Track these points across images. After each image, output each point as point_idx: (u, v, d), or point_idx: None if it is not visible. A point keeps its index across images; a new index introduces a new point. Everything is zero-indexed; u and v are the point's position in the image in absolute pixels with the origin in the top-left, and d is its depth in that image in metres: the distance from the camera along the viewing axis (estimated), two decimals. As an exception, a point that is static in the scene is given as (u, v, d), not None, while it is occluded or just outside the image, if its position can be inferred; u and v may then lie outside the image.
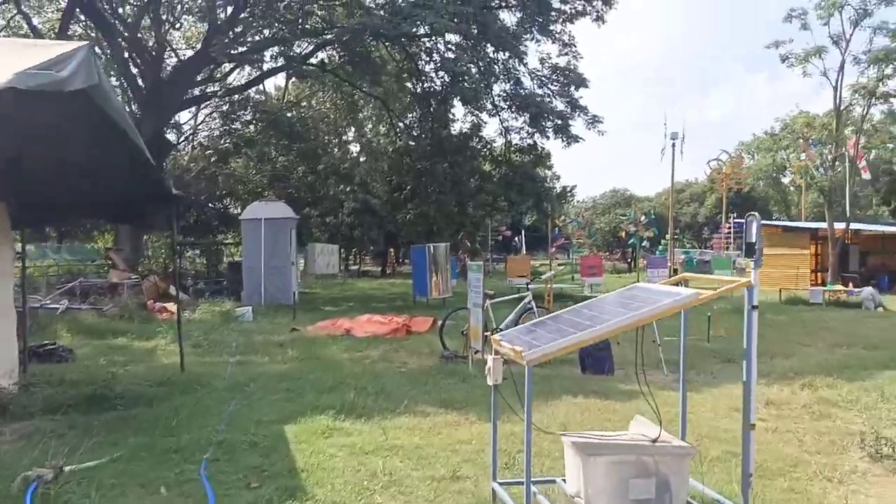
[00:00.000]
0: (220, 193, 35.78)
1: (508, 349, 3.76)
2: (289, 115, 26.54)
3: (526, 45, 21.73)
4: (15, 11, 22.66)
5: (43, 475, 4.35)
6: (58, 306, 12.56)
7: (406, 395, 7.13)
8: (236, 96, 25.12)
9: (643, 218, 32.80)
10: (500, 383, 4.07)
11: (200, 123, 30.16)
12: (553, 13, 22.11)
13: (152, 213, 8.38)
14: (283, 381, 7.94)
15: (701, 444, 5.37)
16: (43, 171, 6.69)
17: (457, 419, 6.15)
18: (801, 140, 26.50)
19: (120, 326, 12.17)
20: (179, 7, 24.72)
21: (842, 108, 24.01)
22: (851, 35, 22.24)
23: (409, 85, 26.02)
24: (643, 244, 32.86)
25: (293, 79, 30.90)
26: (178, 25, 26.36)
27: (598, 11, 21.98)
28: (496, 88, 23.02)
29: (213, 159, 28.23)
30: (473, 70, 21.70)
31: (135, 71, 23.76)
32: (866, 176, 30.57)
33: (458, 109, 25.27)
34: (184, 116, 33.00)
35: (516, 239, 45.07)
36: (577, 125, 23.71)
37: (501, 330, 9.72)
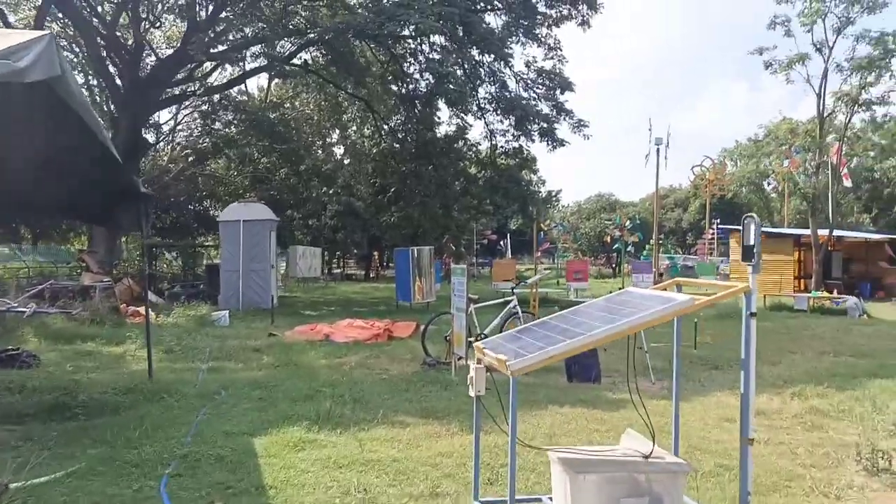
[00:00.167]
0: (201, 195, 35.23)
1: (492, 358, 3.49)
2: (271, 115, 26.12)
3: (511, 48, 21.61)
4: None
5: (-16, 494, 4.00)
6: (25, 310, 12.09)
7: (385, 403, 6.84)
8: (216, 96, 24.65)
9: (628, 223, 32.74)
10: (482, 394, 3.80)
11: (180, 123, 29.57)
12: (539, 17, 21.99)
13: (121, 212, 8.01)
14: (257, 389, 7.60)
15: (692, 456, 5.13)
16: (1, 168, 6.33)
17: (438, 430, 5.86)
18: (785, 147, 26.57)
19: (90, 331, 11.73)
20: (160, 5, 24.27)
21: (825, 115, 24.11)
22: (834, 43, 22.33)
23: (393, 87, 25.75)
24: (628, 249, 32.81)
25: (276, 80, 30.54)
26: (158, 24, 25.88)
27: (583, 16, 21.89)
28: (481, 91, 22.87)
29: (190, 159, 27.66)
30: (459, 72, 21.48)
31: (113, 70, 23.27)
32: (847, 183, 30.80)
33: (444, 112, 25.10)
34: (164, 116, 32.49)
35: (502, 243, 44.95)
36: (563, 129, 23.58)
37: (486, 335, 9.45)
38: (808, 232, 24.85)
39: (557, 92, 22.19)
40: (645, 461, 3.51)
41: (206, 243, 32.50)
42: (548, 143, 21.56)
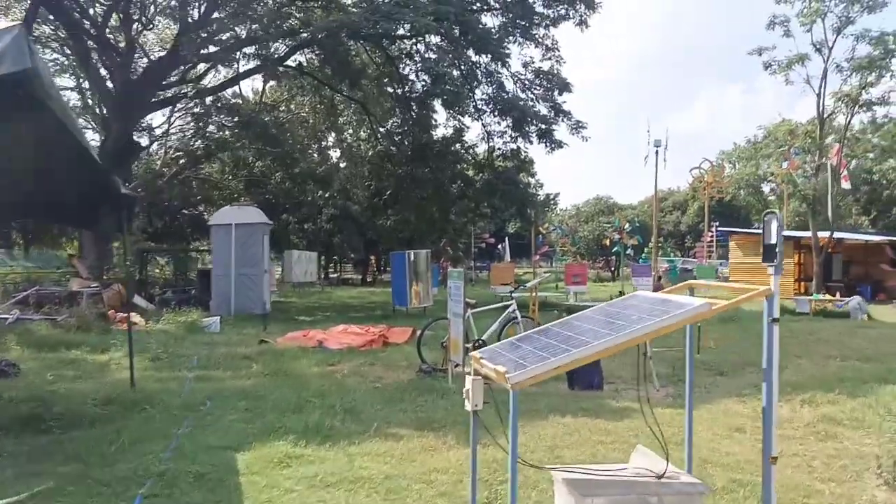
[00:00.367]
0: (195, 199, 34.87)
1: (490, 369, 3.17)
2: (265, 118, 25.76)
3: (509, 49, 21.31)
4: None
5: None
6: (7, 317, 11.72)
7: (378, 414, 6.51)
8: (209, 98, 24.29)
9: (627, 226, 32.47)
10: (480, 408, 3.48)
11: (172, 126, 29.19)
12: (536, 17, 21.71)
13: (103, 214, 7.68)
14: (244, 399, 7.27)
15: (703, 471, 4.82)
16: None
17: (433, 443, 5.53)
18: (785, 148, 26.32)
19: (75, 338, 11.36)
20: (152, 7, 23.94)
21: (825, 116, 23.86)
22: (834, 42, 22.08)
23: (389, 89, 25.45)
24: (627, 252, 32.52)
25: (271, 82, 30.22)
26: (150, 26, 25.54)
27: (581, 15, 21.61)
28: (479, 92, 22.57)
29: (182, 162, 27.27)
30: (455, 73, 21.20)
31: (104, 73, 22.93)
32: (846, 185, 30.54)
33: (441, 115, 24.82)
34: (158, 120, 32.12)
35: (500, 246, 44.61)
36: (561, 130, 23.29)
37: (483, 342, 9.13)
38: (808, 234, 24.59)
39: (555, 93, 21.93)
40: (658, 482, 3.20)
41: (201, 248, 32.13)
42: (546, 145, 21.29)
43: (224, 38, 20.46)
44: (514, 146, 23.05)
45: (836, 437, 5.92)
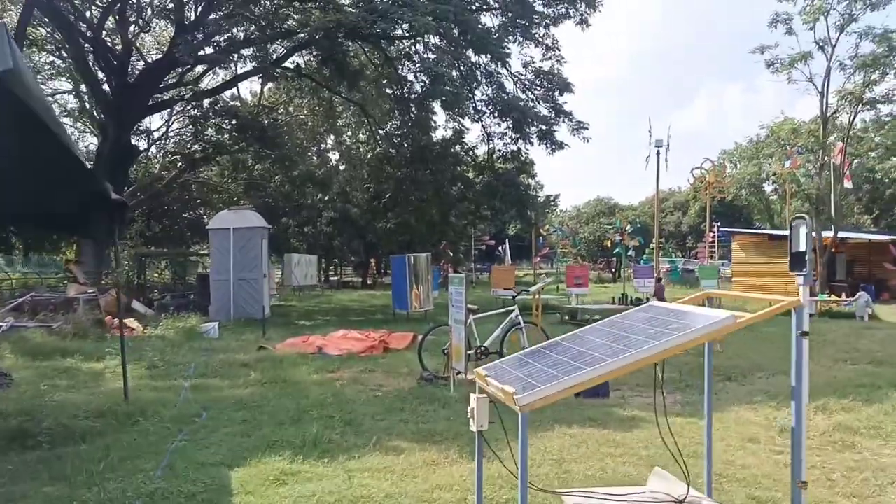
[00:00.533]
0: (194, 203, 34.67)
1: (497, 388, 2.96)
2: (264, 121, 25.58)
3: (509, 49, 21.09)
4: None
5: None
6: (1, 324, 11.51)
7: (378, 426, 6.30)
8: (206, 101, 24.09)
9: (629, 227, 32.21)
10: (485, 429, 3.27)
11: (171, 129, 28.99)
12: (536, 16, 21.50)
13: (92, 221, 7.46)
14: (241, 410, 7.06)
15: (719, 487, 4.60)
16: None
17: (435, 457, 5.31)
18: (788, 147, 26.10)
19: (70, 346, 11.15)
20: (149, 10, 23.77)
21: (828, 114, 23.66)
22: (837, 40, 21.90)
23: (388, 91, 25.26)
24: (629, 253, 32.27)
25: (269, 84, 30.05)
26: (147, 28, 25.38)
27: (581, 14, 21.41)
28: (478, 93, 22.36)
29: (180, 165, 27.06)
30: (454, 74, 20.99)
31: (102, 76, 22.76)
32: (848, 185, 30.34)
33: (440, 117, 24.63)
34: (157, 123, 31.91)
35: (500, 248, 44.40)
36: (562, 131, 23.08)
37: (486, 348, 8.92)
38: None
39: (556, 93, 21.71)
40: (678, 508, 2.98)
41: (202, 252, 31.95)
42: (547, 146, 21.07)
43: (220, 39, 20.28)
44: (514, 147, 22.86)
45: (853, 447, 5.71)
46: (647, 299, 13.65)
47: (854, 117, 24.49)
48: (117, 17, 21.80)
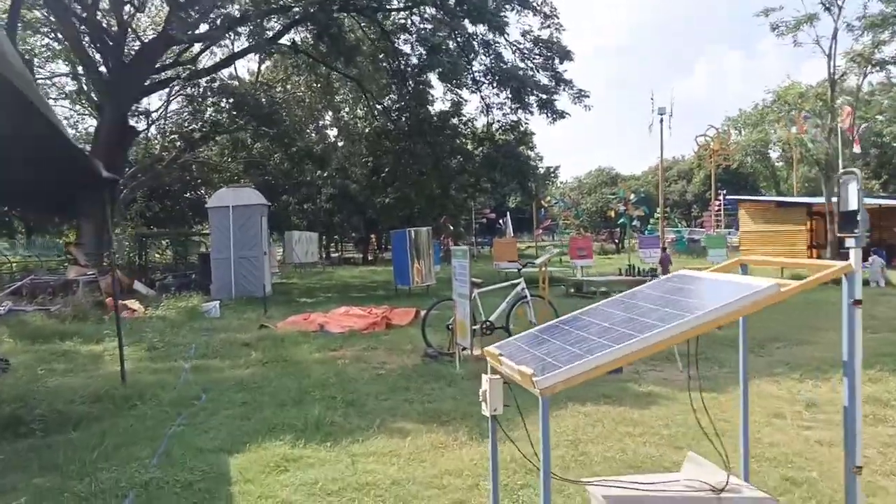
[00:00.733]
0: (195, 182, 34.34)
1: (512, 369, 2.68)
2: (261, 98, 25.09)
3: (506, 17, 20.50)
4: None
5: None
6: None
7: (382, 406, 6.05)
8: (203, 80, 23.60)
9: (632, 196, 31.78)
10: (500, 413, 2.99)
11: (169, 109, 28.48)
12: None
13: (84, 200, 7.16)
14: (241, 392, 6.82)
15: (750, 467, 4.33)
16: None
17: (443, 439, 5.06)
18: (796, 112, 25.57)
19: (69, 329, 10.92)
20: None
21: (836, 76, 23.09)
22: (844, 0, 21.24)
23: (385, 65, 24.71)
24: (633, 223, 31.88)
25: (266, 62, 29.49)
26: (142, 8, 24.76)
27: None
28: (476, 64, 21.86)
29: (179, 145, 26.65)
30: (451, 45, 20.47)
31: (99, 58, 22.27)
32: (857, 149, 29.83)
33: (438, 89, 24.16)
34: (156, 104, 31.41)
35: (501, 221, 44.02)
36: (563, 100, 22.58)
37: (491, 323, 8.66)
38: (820, 200, 23.99)
39: (556, 61, 21.16)
40: (717, 497, 2.71)
41: (204, 231, 31.69)
42: (547, 115, 20.63)
43: (215, 17, 19.76)
44: (514, 118, 22.38)
45: (886, 420, 5.45)
46: (655, 270, 13.37)
47: (863, 79, 23.93)
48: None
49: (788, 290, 2.61)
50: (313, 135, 34.74)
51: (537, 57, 21.63)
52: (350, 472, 4.41)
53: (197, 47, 24.16)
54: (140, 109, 26.33)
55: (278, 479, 4.30)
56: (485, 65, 21.74)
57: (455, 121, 24.94)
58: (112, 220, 7.49)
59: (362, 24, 23.13)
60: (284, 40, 23.08)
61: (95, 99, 24.88)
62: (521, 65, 21.52)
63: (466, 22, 20.44)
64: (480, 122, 24.89)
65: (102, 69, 22.05)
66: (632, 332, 2.60)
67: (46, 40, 25.94)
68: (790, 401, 6.08)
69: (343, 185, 33.62)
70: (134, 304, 14.18)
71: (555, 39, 22.01)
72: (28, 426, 5.62)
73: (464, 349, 7.88)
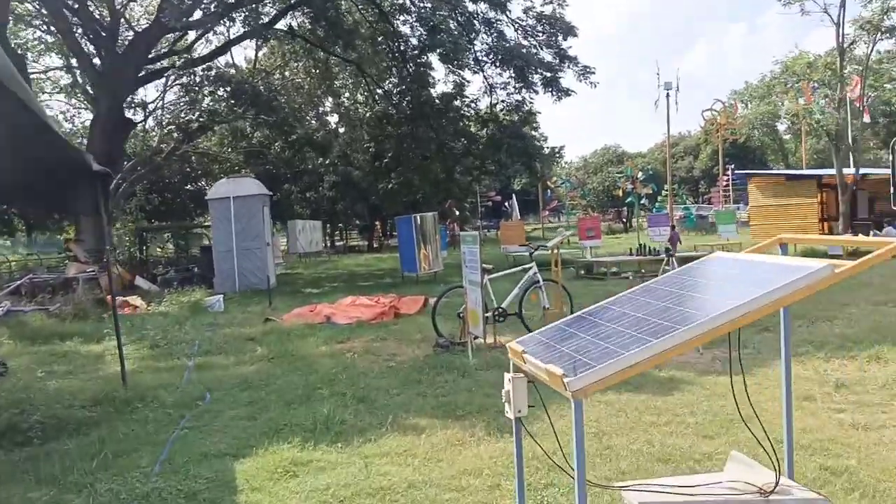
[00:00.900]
0: (195, 174, 34.05)
1: (539, 369, 2.40)
2: (259, 85, 24.70)
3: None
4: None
5: None
6: (-4, 309, 11.08)
7: (394, 402, 5.81)
8: (200, 69, 23.23)
9: (640, 174, 31.31)
10: (524, 415, 2.72)
11: (163, 99, 28.11)
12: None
13: (77, 195, 6.90)
14: (247, 390, 6.59)
15: (784, 458, 4.06)
16: None
17: (460, 435, 4.81)
18: (803, 81, 25.04)
19: (70, 328, 10.71)
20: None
21: (845, 45, 22.56)
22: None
23: (385, 47, 24.26)
24: (642, 202, 31.45)
25: (263, 49, 29.05)
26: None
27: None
28: (478, 44, 21.42)
29: (175, 135, 26.31)
30: (452, 25, 20.03)
31: (93, 49, 21.92)
32: (866, 118, 29.29)
33: (439, 72, 23.73)
34: (152, 94, 31.05)
35: (507, 203, 43.62)
36: (568, 77, 22.17)
37: (503, 309, 8.40)
38: (829, 172, 23.54)
39: (560, 38, 20.69)
40: (765, 500, 2.45)
41: (206, 223, 31.47)
42: (552, 94, 20.20)
43: (209, 2, 19.36)
44: (518, 97, 21.95)
45: (923, 400, 5.16)
46: (669, 249, 13.05)
47: (872, 47, 23.39)
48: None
49: (844, 271, 2.33)
50: (313, 122, 34.38)
51: (540, 34, 21.17)
52: (363, 475, 4.16)
53: (192, 35, 23.78)
54: (136, 101, 26.03)
55: (287, 486, 4.05)
56: (487, 44, 21.33)
57: (458, 102, 24.52)
58: (108, 215, 7.22)
59: (360, 6, 22.69)
60: (281, 25, 22.68)
61: (91, 92, 24.60)
62: (525, 42, 21.07)
63: (467, 0, 20.01)
64: (484, 104, 24.50)
65: (96, 61, 21.75)
66: (671, 323, 2.32)
67: (39, 33, 25.62)
68: (818, 382, 5.80)
69: (345, 171, 33.27)
70: (136, 300, 13.99)
71: (557, 15, 21.53)
72: (25, 434, 5.39)
73: (476, 338, 7.63)
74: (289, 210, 35.25)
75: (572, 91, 20.36)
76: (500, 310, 8.37)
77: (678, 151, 51.73)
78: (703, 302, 2.46)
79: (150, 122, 29.81)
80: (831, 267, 2.31)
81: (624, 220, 43.03)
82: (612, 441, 4.53)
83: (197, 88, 23.47)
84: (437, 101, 23.28)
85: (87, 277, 13.98)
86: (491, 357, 7.31)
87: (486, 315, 7.84)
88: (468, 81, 25.06)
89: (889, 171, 27.70)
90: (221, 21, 20.99)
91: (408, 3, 21.69)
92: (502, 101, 22.63)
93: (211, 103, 25.33)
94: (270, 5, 22.10)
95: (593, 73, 20.65)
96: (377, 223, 41.13)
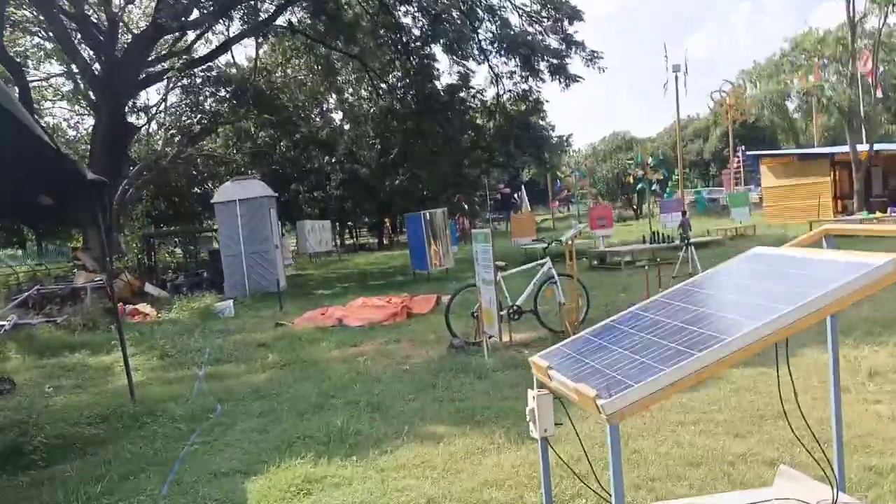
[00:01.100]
0: (202, 177, 33.93)
1: (567, 387, 2.17)
2: (262, 84, 24.51)
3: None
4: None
5: None
6: (3, 323, 10.95)
7: (409, 408, 5.59)
8: (199, 69, 23.06)
9: (651, 160, 30.87)
10: (551, 434, 2.50)
11: (165, 102, 27.98)
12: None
13: (74, 205, 6.72)
14: (258, 400, 6.40)
15: (823, 457, 3.81)
16: None
17: (480, 443, 4.59)
18: (816, 59, 24.56)
19: (78, 340, 10.56)
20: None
21: (856, 19, 22.09)
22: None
23: (387, 39, 23.95)
24: (653, 188, 31.03)
25: (264, 47, 28.83)
26: (132, 1, 24.19)
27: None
28: (482, 32, 21.05)
29: (177, 139, 26.19)
30: (455, 13, 19.71)
31: (92, 54, 21.79)
32: (878, 93, 28.74)
33: (444, 64, 23.40)
34: (154, 98, 30.91)
35: (516, 195, 43.25)
36: (575, 63, 21.74)
37: (518, 307, 8.16)
38: (842, 149, 23.10)
39: (565, 23, 20.30)
40: (825, 522, 2.21)
41: (214, 227, 31.37)
42: (560, 81, 19.85)
43: (206, 1, 19.16)
44: (524, 86, 21.61)
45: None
46: (683, 237, 12.74)
47: (883, 21, 22.89)
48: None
49: (911, 267, 2.07)
50: (318, 119, 34.18)
51: (545, 20, 20.79)
52: (380, 490, 3.95)
53: (191, 36, 23.60)
54: (139, 105, 25.92)
55: (300, 506, 3.86)
56: (491, 32, 20.96)
57: (463, 94, 24.22)
58: (108, 224, 7.04)
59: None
60: (281, 21, 22.44)
61: (93, 97, 24.50)
62: (530, 29, 20.72)
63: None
64: (490, 94, 24.19)
65: (96, 66, 21.61)
66: (713, 332, 2.08)
67: (37, 40, 25.51)
68: (850, 370, 5.53)
69: (352, 169, 33.05)
70: (146, 307, 13.84)
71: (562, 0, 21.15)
72: (29, 456, 5.22)
73: (491, 337, 7.41)
74: (297, 210, 35.10)
75: (580, 77, 20.02)
76: (516, 307, 8.13)
77: (688, 134, 51.15)
78: (752, 307, 2.21)
79: (154, 125, 29.79)
80: (894, 263, 2.06)
81: (634, 207, 42.54)
82: (637, 444, 4.30)
83: (198, 90, 23.29)
84: (442, 93, 22.99)
85: (95, 286, 13.85)
86: (507, 356, 7.08)
87: (501, 313, 7.61)
88: (473, 72, 24.72)
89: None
90: (220, 20, 20.80)
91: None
92: (509, 91, 22.30)
93: (213, 105, 25.20)
94: (269, 2, 21.88)
95: (601, 57, 20.26)
96: (386, 220, 40.91)
